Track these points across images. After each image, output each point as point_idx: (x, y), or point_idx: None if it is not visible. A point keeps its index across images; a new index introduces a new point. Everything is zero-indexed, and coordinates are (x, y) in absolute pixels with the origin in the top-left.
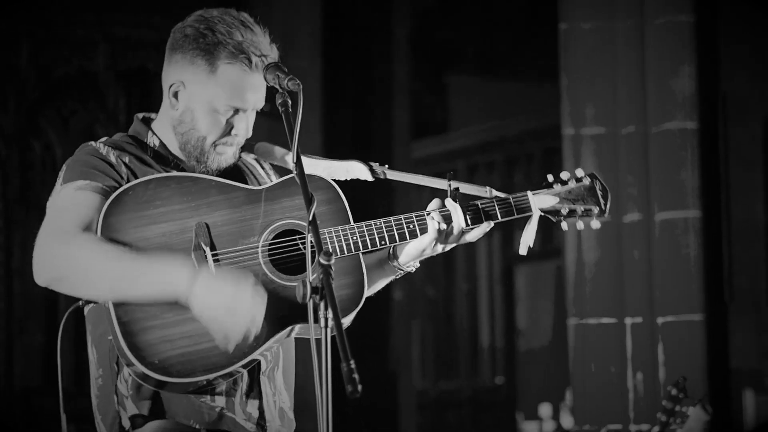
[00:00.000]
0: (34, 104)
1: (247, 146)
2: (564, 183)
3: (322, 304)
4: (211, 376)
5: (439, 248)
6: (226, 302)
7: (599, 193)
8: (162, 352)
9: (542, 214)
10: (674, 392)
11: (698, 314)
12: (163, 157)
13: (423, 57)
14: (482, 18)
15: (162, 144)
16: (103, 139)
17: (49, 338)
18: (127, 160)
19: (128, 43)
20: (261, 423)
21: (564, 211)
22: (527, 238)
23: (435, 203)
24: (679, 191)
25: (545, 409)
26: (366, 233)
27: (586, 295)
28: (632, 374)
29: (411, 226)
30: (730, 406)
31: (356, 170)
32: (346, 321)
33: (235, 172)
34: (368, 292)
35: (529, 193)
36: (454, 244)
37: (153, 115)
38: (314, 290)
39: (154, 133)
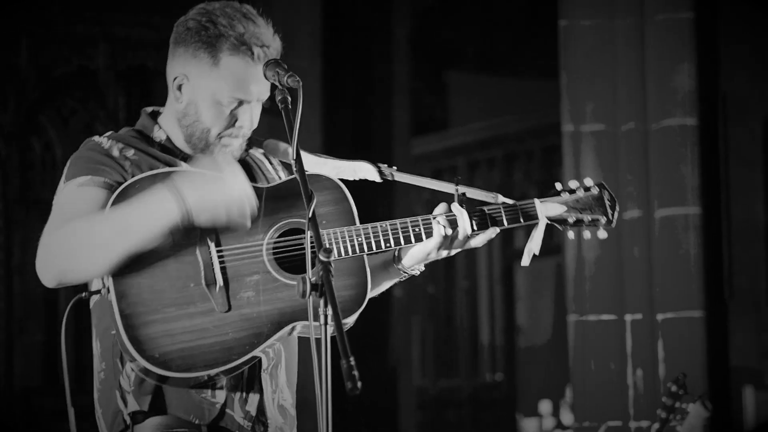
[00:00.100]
0: (34, 103)
1: (255, 142)
2: (572, 192)
3: (321, 301)
4: (211, 372)
5: (444, 253)
6: (220, 195)
7: (607, 203)
8: (163, 346)
9: (549, 222)
10: (674, 389)
11: (698, 311)
12: (171, 151)
13: (423, 55)
14: (482, 16)
15: (168, 138)
16: (108, 133)
17: (49, 338)
18: (131, 153)
19: (128, 42)
20: (262, 420)
21: (571, 220)
22: (533, 246)
23: (441, 207)
24: (678, 188)
25: (545, 406)
26: (371, 235)
27: (586, 292)
28: (632, 371)
29: (417, 230)
30: (730, 403)
31: (364, 171)
32: (349, 321)
33: (244, 167)
34: (372, 293)
35: (536, 200)
36: (459, 249)
37: (161, 110)
38: (314, 287)
39: (160, 127)
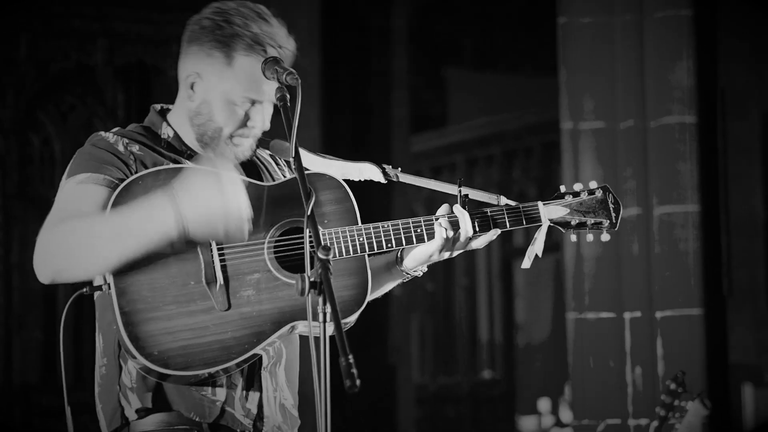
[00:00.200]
0: (32, 99)
1: (262, 142)
2: (576, 195)
3: (320, 299)
4: (211, 370)
5: (446, 254)
6: (217, 203)
7: (611, 206)
8: (162, 343)
9: (551, 224)
10: (673, 386)
11: (697, 309)
12: (176, 149)
13: (422, 51)
14: (481, 13)
15: (176, 135)
16: (115, 129)
17: (48, 334)
18: (136, 149)
19: (127, 37)
20: (260, 416)
21: (573, 223)
22: (535, 249)
23: (444, 209)
24: (678, 185)
25: (544, 404)
26: (373, 235)
27: (585, 290)
28: (631, 369)
29: (418, 230)
30: (729, 400)
31: (369, 172)
32: (350, 321)
33: (250, 167)
34: (374, 294)
35: (539, 203)
36: (461, 251)
37: (170, 107)
38: (313, 285)
39: (169, 124)
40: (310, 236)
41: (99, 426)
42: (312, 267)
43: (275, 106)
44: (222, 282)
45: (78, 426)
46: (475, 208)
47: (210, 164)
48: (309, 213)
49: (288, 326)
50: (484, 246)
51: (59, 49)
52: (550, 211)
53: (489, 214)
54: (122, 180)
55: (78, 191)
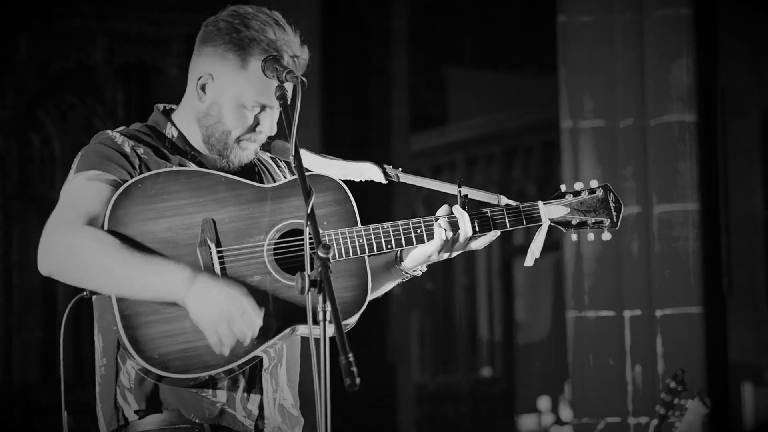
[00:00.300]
0: (32, 98)
1: (263, 144)
2: (576, 194)
3: (320, 298)
4: (211, 373)
5: (445, 255)
6: (220, 310)
7: (612, 205)
8: (162, 346)
9: (552, 224)
10: (673, 385)
11: (697, 307)
12: (180, 149)
13: (421, 50)
14: (481, 11)
15: (181, 135)
16: (120, 128)
17: (48, 333)
18: (141, 151)
19: (126, 37)
20: (262, 416)
21: (574, 222)
22: (535, 248)
23: (444, 209)
24: (677, 184)
25: (544, 402)
26: (372, 236)
27: (585, 288)
28: (631, 367)
29: (418, 231)
30: (729, 399)
31: (369, 172)
32: (350, 322)
33: (251, 169)
34: (374, 294)
35: (540, 202)
36: (460, 251)
37: (174, 107)
38: (313, 283)
39: (173, 124)
40: (310, 236)
41: (98, 426)
42: (312, 266)
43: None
44: None
45: (79, 426)
46: (475, 208)
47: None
48: (309, 211)
49: (289, 328)
50: (484, 247)
51: (59, 48)
52: (550, 211)
53: (489, 214)
54: (127, 180)
55: (87, 188)
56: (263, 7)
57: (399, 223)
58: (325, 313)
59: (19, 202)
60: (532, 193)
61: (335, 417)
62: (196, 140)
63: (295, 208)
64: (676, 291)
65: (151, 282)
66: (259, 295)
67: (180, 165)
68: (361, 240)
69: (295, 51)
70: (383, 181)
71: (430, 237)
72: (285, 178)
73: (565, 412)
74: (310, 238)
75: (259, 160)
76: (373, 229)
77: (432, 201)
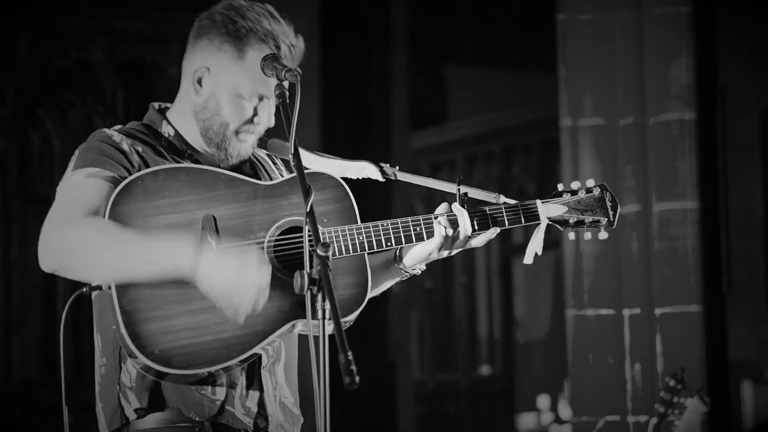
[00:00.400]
0: (32, 96)
1: (260, 141)
2: (574, 193)
3: (319, 296)
4: (212, 369)
5: (445, 253)
6: (232, 275)
7: (608, 204)
8: (163, 342)
9: (550, 222)
10: (672, 383)
11: (696, 305)
12: (177, 147)
13: (421, 49)
14: (480, 10)
15: (177, 134)
16: (117, 126)
17: (48, 331)
18: (140, 149)
19: (126, 35)
20: (263, 415)
21: (572, 221)
22: (534, 247)
23: (443, 207)
24: (677, 182)
25: (543, 401)
26: (372, 234)
27: (585, 287)
28: (630, 365)
29: (418, 229)
30: (729, 397)
31: (367, 170)
32: (349, 319)
33: (249, 166)
34: (373, 292)
35: (538, 201)
36: (459, 249)
37: (169, 106)
38: (312, 282)
39: (169, 122)
40: (309, 234)
41: (98, 425)
42: (311, 264)
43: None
44: None
45: (78, 425)
46: (473, 207)
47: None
48: (308, 210)
49: (288, 325)
50: (484, 244)
51: (59, 47)
52: (548, 210)
53: (488, 212)
54: (125, 178)
55: (86, 184)
56: (257, 1)
57: (399, 221)
58: (324, 311)
59: (18, 201)
60: (531, 191)
61: (335, 415)
62: (193, 137)
63: (296, 205)
64: (676, 289)
65: (156, 260)
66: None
67: (177, 163)
68: (361, 237)
69: (291, 41)
70: (380, 179)
71: (430, 235)
72: (281, 175)
73: (565, 411)
74: (310, 237)
75: (255, 156)
76: (373, 227)
77: (431, 199)
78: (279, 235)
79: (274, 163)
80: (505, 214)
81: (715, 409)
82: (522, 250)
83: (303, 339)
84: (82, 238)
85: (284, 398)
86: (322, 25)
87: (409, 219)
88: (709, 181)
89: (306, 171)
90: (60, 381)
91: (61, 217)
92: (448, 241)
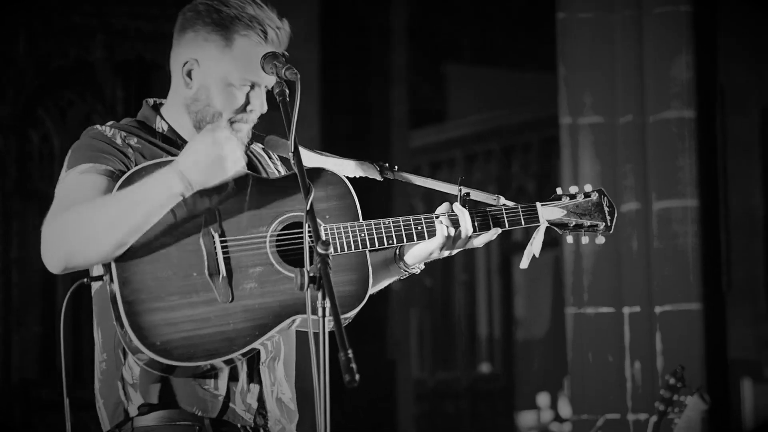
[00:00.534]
0: (31, 95)
1: (257, 137)
2: (572, 197)
3: (319, 294)
4: (213, 361)
5: (446, 252)
6: (214, 154)
7: (606, 209)
8: (164, 334)
9: (548, 225)
10: (672, 381)
11: (696, 304)
12: (173, 142)
13: (421, 47)
14: (480, 8)
15: (171, 129)
16: (110, 122)
17: (47, 330)
18: (134, 141)
19: (126, 33)
20: (262, 412)
21: (570, 225)
22: (533, 249)
23: (444, 207)
24: (677, 180)
25: (543, 399)
26: (374, 231)
27: (584, 285)
28: (630, 363)
29: (419, 228)
30: (729, 395)
31: (365, 169)
32: (349, 316)
33: (247, 161)
34: (372, 290)
35: (537, 204)
36: (460, 249)
37: (163, 101)
38: (312, 280)
39: (162, 118)
40: (309, 231)
41: (99, 422)
42: (311, 262)
43: (275, 102)
44: (225, 274)
45: (79, 422)
46: (474, 207)
47: (211, 135)
48: (308, 208)
49: (289, 320)
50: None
51: (58, 45)
52: (547, 213)
53: (488, 213)
54: (122, 171)
55: (80, 181)
56: None
57: (400, 219)
58: (324, 309)
59: (18, 200)
60: (531, 189)
61: (334, 413)
62: (187, 132)
63: (298, 200)
64: (676, 288)
65: (145, 195)
66: (261, 286)
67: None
68: (362, 235)
69: (277, 23)
70: (378, 178)
71: (431, 234)
72: (277, 170)
73: (564, 409)
74: (310, 234)
75: (251, 151)
76: (375, 225)
77: (431, 198)
78: (282, 229)
79: (270, 158)
80: (505, 215)
81: (714, 407)
82: (522, 248)
83: (302, 337)
84: (71, 218)
85: (281, 394)
86: (321, 25)
87: (411, 218)
88: (709, 179)
89: (307, 167)
90: (61, 376)
91: (57, 215)
92: (450, 241)
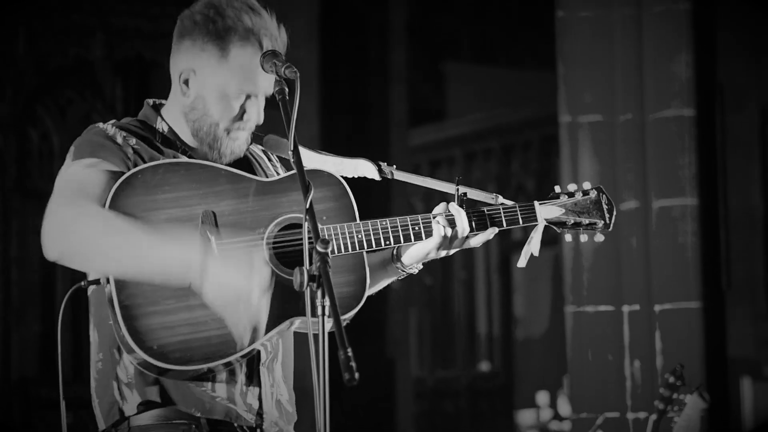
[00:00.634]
0: (31, 93)
1: (256, 138)
2: (571, 195)
3: (319, 293)
4: (210, 365)
5: (443, 252)
6: (237, 294)
7: (605, 207)
8: (161, 338)
9: (547, 224)
10: (672, 380)
11: (696, 302)
12: (172, 143)
13: (420, 45)
14: (479, 6)
15: (171, 130)
16: (112, 121)
17: (47, 328)
18: (133, 142)
19: (125, 32)
20: (260, 413)
21: (569, 223)
22: (531, 248)
23: (441, 207)
24: (676, 178)
25: (543, 397)
26: (371, 232)
27: (584, 283)
28: (630, 362)
29: (416, 228)
30: (728, 394)
31: (364, 169)
32: (347, 317)
33: (244, 162)
34: (370, 291)
35: (536, 203)
36: (457, 249)
37: (164, 102)
38: (311, 278)
39: (163, 119)
40: (309, 231)
41: (96, 421)
42: (311, 261)
43: (275, 101)
44: None
45: (77, 421)
46: (471, 207)
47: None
48: (308, 206)
49: (287, 321)
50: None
51: (58, 44)
52: (545, 211)
53: (485, 212)
54: (122, 171)
55: (87, 173)
56: None
57: (397, 219)
58: (323, 308)
59: (18, 198)
60: (530, 187)
61: (334, 412)
62: (186, 135)
63: (295, 202)
64: (675, 286)
65: (163, 261)
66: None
67: (174, 158)
68: (360, 236)
69: (274, 33)
70: (377, 178)
71: (428, 234)
72: (276, 172)
73: (564, 407)
74: (309, 233)
75: (250, 152)
76: (372, 225)
77: (430, 197)
78: (279, 231)
79: (269, 159)
80: (502, 214)
81: (714, 406)
82: (521, 247)
83: (301, 337)
84: (87, 227)
85: (280, 396)
86: (321, 23)
87: (408, 218)
88: (709, 178)
89: (305, 168)
90: (58, 375)
91: (64, 203)
92: (446, 241)
